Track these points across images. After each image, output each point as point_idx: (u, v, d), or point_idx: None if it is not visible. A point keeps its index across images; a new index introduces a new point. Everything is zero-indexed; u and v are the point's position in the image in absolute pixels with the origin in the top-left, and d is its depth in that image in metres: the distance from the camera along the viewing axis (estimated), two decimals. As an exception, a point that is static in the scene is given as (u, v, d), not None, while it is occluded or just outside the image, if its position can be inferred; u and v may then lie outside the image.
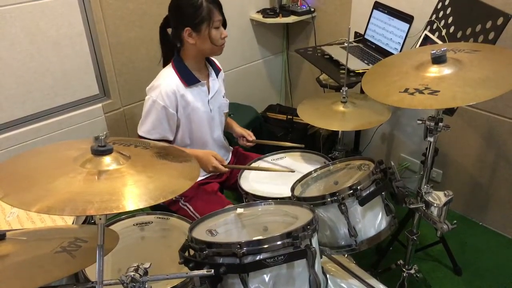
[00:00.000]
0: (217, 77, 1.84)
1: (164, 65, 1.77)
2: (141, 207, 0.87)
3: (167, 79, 1.67)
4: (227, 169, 1.73)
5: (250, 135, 1.97)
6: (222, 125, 1.91)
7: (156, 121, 1.67)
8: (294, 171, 1.72)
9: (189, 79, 1.71)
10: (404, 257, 1.72)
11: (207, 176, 1.87)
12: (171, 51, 1.74)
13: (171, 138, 1.74)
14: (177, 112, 1.69)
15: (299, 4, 2.85)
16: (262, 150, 2.02)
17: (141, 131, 1.69)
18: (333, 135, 2.73)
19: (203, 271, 1.00)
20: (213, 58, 1.86)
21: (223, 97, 1.89)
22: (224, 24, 1.69)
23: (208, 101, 1.78)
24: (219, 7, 1.64)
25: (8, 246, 1.02)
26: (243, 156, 2.03)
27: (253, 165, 1.84)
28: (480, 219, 2.43)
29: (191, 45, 1.67)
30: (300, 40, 3.05)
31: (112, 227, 1.49)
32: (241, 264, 1.02)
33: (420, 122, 1.38)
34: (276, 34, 3.07)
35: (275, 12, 2.81)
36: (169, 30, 1.73)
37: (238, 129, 2.01)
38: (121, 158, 0.99)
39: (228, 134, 2.02)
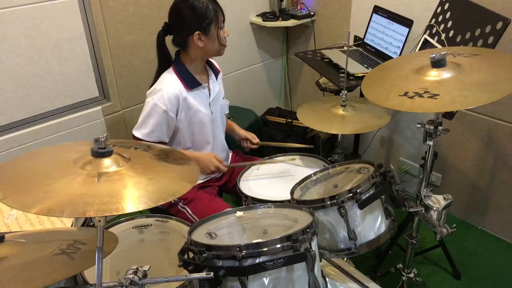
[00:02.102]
0: (216, 79, 1.85)
1: (159, 71, 1.75)
2: (140, 209, 0.87)
3: (170, 83, 1.67)
4: (227, 169, 1.74)
5: (254, 138, 1.98)
6: (223, 126, 1.92)
7: (156, 125, 1.67)
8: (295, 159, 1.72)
9: (191, 83, 1.71)
10: (403, 260, 1.72)
11: (207, 179, 1.87)
12: (167, 58, 1.74)
13: (167, 141, 1.75)
14: (177, 115, 1.70)
15: (299, 8, 2.86)
16: (261, 153, 2.02)
17: (139, 133, 1.68)
18: (332, 138, 2.73)
19: (203, 274, 0.99)
20: (212, 60, 1.86)
21: (223, 98, 1.89)
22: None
23: (210, 103, 1.79)
24: (220, 7, 1.68)
25: (6, 248, 1.01)
26: (244, 159, 2.03)
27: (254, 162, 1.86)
28: (479, 223, 2.43)
29: (198, 48, 1.68)
30: (300, 43, 3.06)
31: (111, 229, 1.49)
32: (241, 267, 1.02)
33: (420, 125, 1.38)
34: (276, 38, 3.08)
35: (275, 16, 2.82)
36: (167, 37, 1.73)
37: (242, 131, 2.01)
38: (121, 160, 0.99)
39: (228, 138, 2.02)
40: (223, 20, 1.69)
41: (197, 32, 1.63)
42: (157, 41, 1.72)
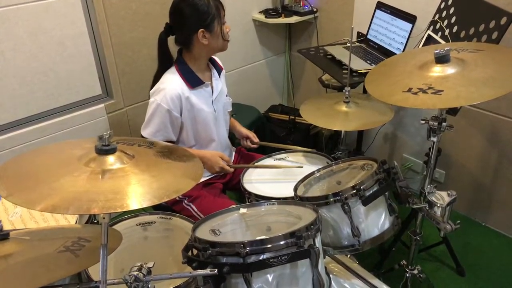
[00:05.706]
0: (219, 77, 1.85)
1: (160, 71, 1.73)
2: (145, 206, 0.87)
3: (172, 83, 1.67)
4: (233, 169, 1.74)
5: (255, 137, 1.97)
6: (226, 124, 1.92)
7: (161, 124, 1.67)
8: (302, 166, 1.72)
9: (193, 81, 1.71)
10: (407, 257, 1.72)
11: (211, 176, 1.87)
12: (168, 58, 1.73)
13: (175, 140, 1.75)
14: (181, 115, 1.70)
15: (301, 4, 2.85)
16: (264, 150, 2.02)
17: (145, 133, 1.70)
18: (335, 135, 2.73)
19: (207, 271, 0.99)
20: (215, 57, 1.86)
21: (226, 96, 1.89)
22: None
23: (212, 101, 1.79)
24: (220, 2, 1.68)
25: (11, 246, 1.02)
26: (247, 156, 2.03)
27: (258, 164, 1.84)
28: (483, 220, 2.42)
29: (203, 46, 1.67)
30: (303, 40, 3.05)
31: (115, 227, 1.49)
32: (245, 263, 1.02)
33: (424, 122, 1.37)
34: (279, 34, 3.07)
35: (278, 12, 2.81)
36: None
37: (243, 130, 2.01)
38: (125, 157, 0.99)
39: (230, 135, 2.02)
40: (224, 15, 1.69)
41: (201, 29, 1.63)
42: (159, 42, 1.70)
